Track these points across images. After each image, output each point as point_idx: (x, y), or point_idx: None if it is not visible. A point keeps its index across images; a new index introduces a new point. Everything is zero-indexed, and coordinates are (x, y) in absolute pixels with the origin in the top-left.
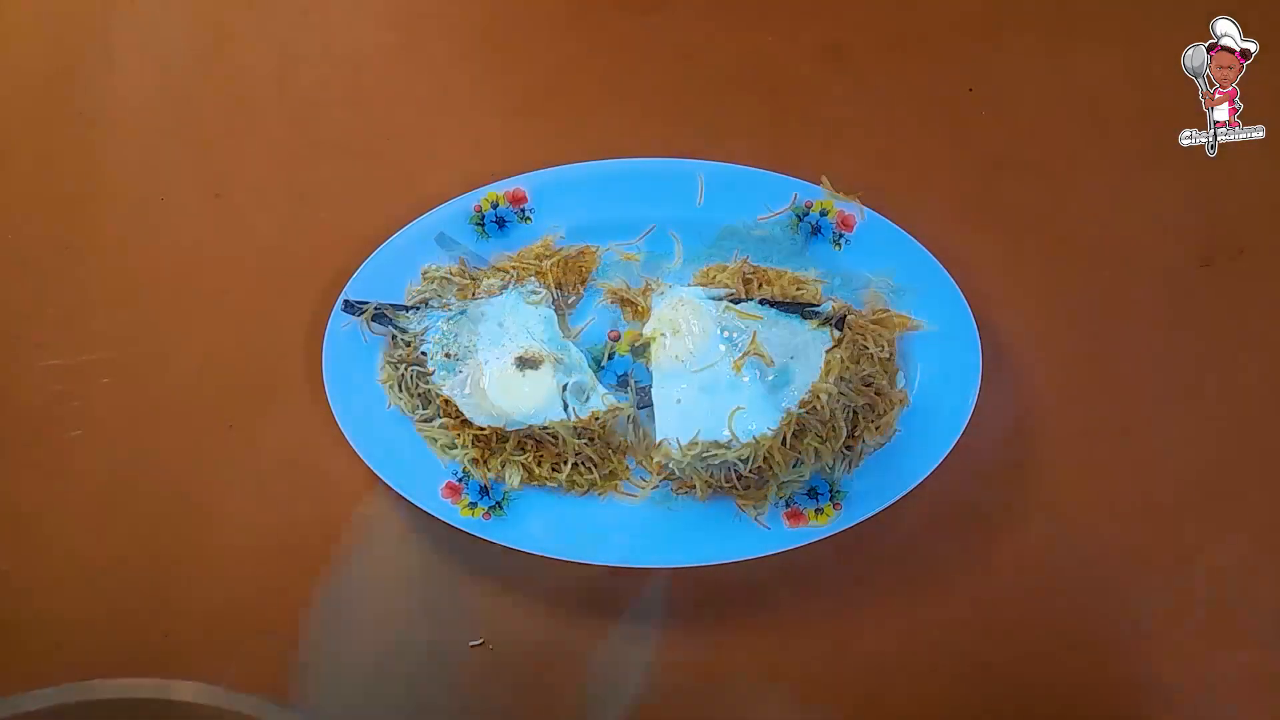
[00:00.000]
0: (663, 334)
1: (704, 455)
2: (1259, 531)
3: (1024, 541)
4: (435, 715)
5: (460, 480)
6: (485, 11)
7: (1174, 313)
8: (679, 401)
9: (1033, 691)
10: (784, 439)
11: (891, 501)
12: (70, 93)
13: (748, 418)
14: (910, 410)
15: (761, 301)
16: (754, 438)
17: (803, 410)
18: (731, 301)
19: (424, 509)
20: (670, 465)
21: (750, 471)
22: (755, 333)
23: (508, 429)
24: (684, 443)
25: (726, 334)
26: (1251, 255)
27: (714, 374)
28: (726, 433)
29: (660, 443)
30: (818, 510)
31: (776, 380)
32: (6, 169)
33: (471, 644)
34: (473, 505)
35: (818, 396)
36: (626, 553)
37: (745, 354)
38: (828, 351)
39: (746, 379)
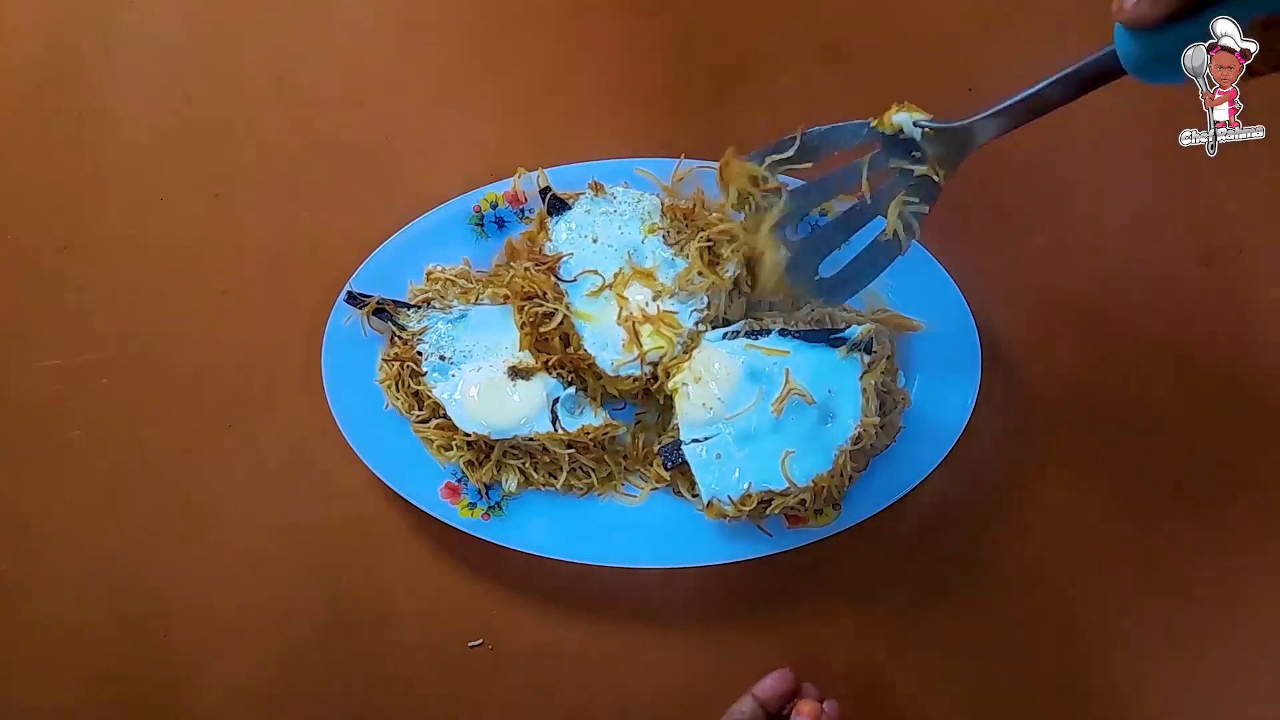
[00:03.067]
0: (684, 384)
1: (760, 504)
2: (1259, 531)
3: (1023, 541)
4: (435, 715)
5: (460, 480)
6: (485, 11)
7: (1174, 313)
8: (719, 457)
9: (1033, 691)
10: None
11: (891, 502)
12: (70, 93)
13: (798, 459)
14: (910, 410)
15: (782, 333)
16: (811, 480)
17: (855, 447)
18: (750, 336)
19: (423, 509)
20: (727, 522)
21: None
22: (788, 370)
23: (493, 438)
24: (735, 498)
25: (755, 375)
26: (1251, 255)
27: (751, 419)
28: (783, 480)
29: (710, 502)
30: (817, 511)
31: (820, 416)
32: (6, 169)
33: (471, 644)
34: (472, 505)
35: (867, 430)
36: (626, 553)
37: (784, 395)
38: (862, 378)
39: (789, 420)
